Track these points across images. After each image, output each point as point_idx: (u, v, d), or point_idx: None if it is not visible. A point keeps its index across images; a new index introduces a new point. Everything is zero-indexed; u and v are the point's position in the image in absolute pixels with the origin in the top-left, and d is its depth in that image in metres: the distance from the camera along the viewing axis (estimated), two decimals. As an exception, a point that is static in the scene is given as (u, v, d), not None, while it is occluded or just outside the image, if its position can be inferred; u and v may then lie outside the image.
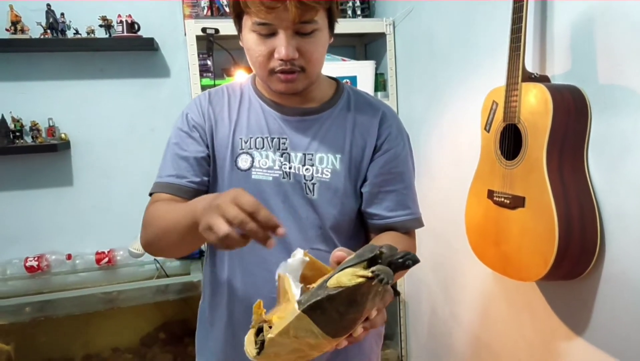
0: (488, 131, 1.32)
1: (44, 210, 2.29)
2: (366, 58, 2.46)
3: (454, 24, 1.68)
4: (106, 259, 2.29)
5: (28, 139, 2.19)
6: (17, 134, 2.13)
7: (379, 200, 0.98)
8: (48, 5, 2.12)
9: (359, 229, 1.03)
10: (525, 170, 1.17)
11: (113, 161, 2.32)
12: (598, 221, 1.10)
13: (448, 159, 1.81)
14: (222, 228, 0.64)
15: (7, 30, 2.09)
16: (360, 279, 0.59)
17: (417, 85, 2.01)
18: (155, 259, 2.29)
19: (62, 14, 2.13)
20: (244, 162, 0.96)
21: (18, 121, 2.14)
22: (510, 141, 1.23)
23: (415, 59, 2.00)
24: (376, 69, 2.32)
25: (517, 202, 1.19)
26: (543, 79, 1.22)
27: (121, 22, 2.15)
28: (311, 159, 0.96)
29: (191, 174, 0.96)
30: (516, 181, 1.20)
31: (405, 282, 2.29)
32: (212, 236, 0.66)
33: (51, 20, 2.12)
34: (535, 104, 1.13)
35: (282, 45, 0.84)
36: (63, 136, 2.27)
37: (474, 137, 1.39)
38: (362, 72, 2.13)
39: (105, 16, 2.16)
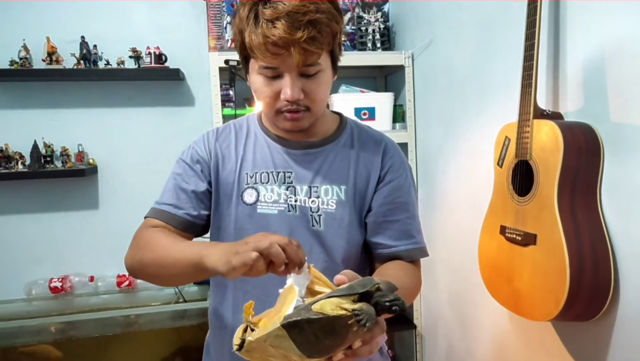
0: (501, 166, 1.31)
1: (70, 232, 2.36)
2: (386, 89, 2.49)
3: (471, 56, 1.70)
4: (127, 282, 2.34)
5: (58, 164, 2.28)
6: (48, 158, 2.23)
7: (383, 229, 0.99)
8: (82, 37, 2.24)
9: (364, 261, 1.03)
10: (537, 207, 1.16)
11: (138, 186, 2.39)
12: (612, 262, 1.08)
13: (465, 192, 1.80)
14: (253, 254, 0.69)
15: (43, 60, 2.21)
16: (342, 312, 0.59)
17: (434, 117, 2.02)
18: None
19: (95, 46, 2.24)
20: (249, 196, 0.98)
21: (49, 146, 2.24)
22: (522, 177, 1.22)
23: (433, 91, 2.02)
24: (396, 100, 2.35)
25: (528, 239, 1.18)
26: (555, 116, 1.22)
27: (149, 53, 2.24)
28: (316, 191, 0.98)
29: (189, 206, 0.99)
30: (528, 217, 1.19)
31: (422, 315, 2.25)
32: (238, 261, 0.69)
33: (84, 51, 2.23)
34: (546, 141, 1.13)
35: (287, 87, 0.87)
36: (91, 161, 2.36)
37: (490, 170, 1.38)
38: (380, 104, 2.15)
39: (135, 48, 2.26)
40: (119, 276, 2.34)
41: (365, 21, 2.29)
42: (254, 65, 0.91)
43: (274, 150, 1.01)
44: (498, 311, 1.59)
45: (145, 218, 1.01)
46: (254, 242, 0.70)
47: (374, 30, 2.28)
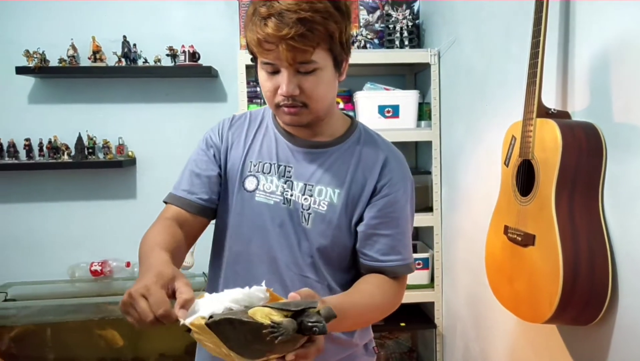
0: (507, 166, 1.30)
1: (109, 220, 2.52)
2: (415, 87, 2.48)
3: (490, 55, 1.67)
4: (159, 269, 2.46)
5: (100, 155, 2.45)
6: (90, 150, 2.39)
7: (373, 242, 1.00)
8: (124, 36, 2.38)
9: (352, 264, 1.05)
10: (537, 207, 1.14)
11: (173, 178, 2.47)
12: (610, 266, 1.05)
13: (482, 192, 1.78)
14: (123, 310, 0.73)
15: (88, 58, 2.37)
16: (265, 321, 0.64)
17: (457, 115, 2.00)
18: (203, 272, 2.43)
19: (135, 45, 2.38)
20: (250, 183, 1.03)
21: (92, 139, 2.40)
22: (526, 177, 1.21)
23: (456, 89, 2.00)
24: (423, 98, 2.34)
25: (528, 240, 1.16)
26: (562, 115, 1.19)
27: (184, 52, 2.35)
28: (311, 190, 1.01)
29: (202, 191, 1.04)
30: (528, 218, 1.17)
31: (443, 315, 2.24)
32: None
33: (126, 50, 2.37)
34: (546, 140, 1.11)
35: (283, 83, 0.91)
36: (130, 153, 2.50)
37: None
38: (404, 102, 2.15)
39: (172, 46, 2.38)
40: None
41: (393, 19, 2.29)
42: (259, 61, 0.95)
43: (280, 143, 1.05)
44: (508, 313, 1.56)
45: (164, 201, 1.07)
46: (132, 300, 0.71)
47: (402, 28, 2.28)
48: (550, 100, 1.25)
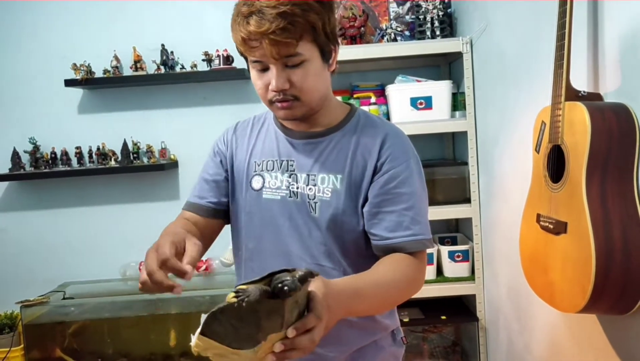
0: (538, 152, 1.26)
1: (155, 221, 2.61)
2: (450, 77, 2.44)
3: (522, 41, 1.62)
4: (204, 267, 2.56)
5: (144, 160, 2.56)
6: (135, 155, 2.51)
7: (379, 220, 1.00)
8: (162, 45, 2.48)
9: (368, 251, 1.04)
10: (568, 194, 1.10)
11: (213, 178, 2.59)
12: (647, 252, 1.00)
13: (519, 181, 1.73)
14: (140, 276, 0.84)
15: (130, 68, 2.49)
16: (233, 299, 0.64)
17: (491, 104, 1.96)
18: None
19: (172, 52, 2.48)
20: (256, 183, 1.07)
21: (136, 144, 2.52)
22: (556, 163, 1.17)
23: (489, 76, 1.95)
24: (458, 88, 2.30)
25: (560, 227, 1.13)
26: (593, 97, 1.14)
27: (218, 56, 2.42)
28: (314, 180, 1.03)
29: (210, 195, 1.10)
30: (560, 205, 1.14)
31: (485, 308, 2.19)
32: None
33: (164, 57, 2.47)
34: (575, 124, 1.07)
35: (273, 78, 0.93)
36: (172, 156, 2.61)
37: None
38: (437, 93, 2.13)
39: (207, 51, 2.46)
40: (197, 261, 2.56)
41: (423, 9, 2.26)
42: (249, 60, 0.98)
43: (280, 139, 1.08)
44: (549, 306, 1.51)
45: (182, 209, 1.15)
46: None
47: (432, 18, 2.25)
48: (581, 82, 1.21)
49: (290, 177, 1.05)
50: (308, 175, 1.04)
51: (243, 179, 1.09)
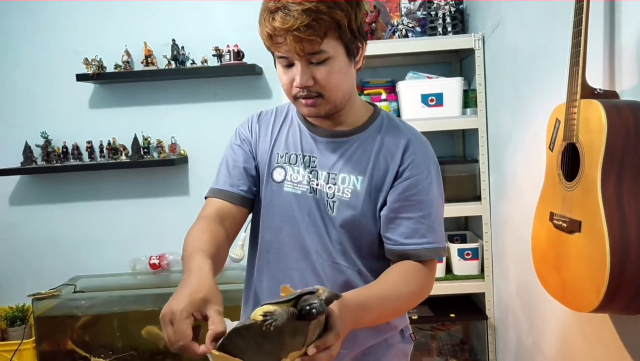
0: (552, 150, 1.25)
1: (165, 215, 2.65)
2: (461, 74, 2.42)
3: (536, 36, 1.61)
4: (213, 262, 2.56)
5: (155, 155, 2.57)
6: (145, 150, 2.52)
7: (396, 225, 1.00)
8: (173, 40, 2.49)
9: (382, 252, 1.05)
10: (582, 192, 1.09)
11: (222, 174, 2.60)
12: (663, 252, 0.99)
13: (532, 179, 1.71)
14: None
15: (141, 63, 2.50)
16: (260, 318, 0.66)
17: (503, 101, 1.94)
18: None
19: (183, 47, 2.48)
20: (278, 175, 1.06)
21: (146, 139, 2.53)
22: (571, 161, 1.16)
23: (502, 73, 1.93)
24: (469, 85, 2.29)
25: (573, 226, 1.12)
26: (609, 95, 1.13)
27: (229, 51, 2.42)
28: (334, 179, 1.02)
29: (242, 182, 1.07)
30: (574, 203, 1.13)
31: (495, 306, 2.18)
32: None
33: (175, 52, 2.48)
34: (590, 122, 1.06)
35: (297, 74, 0.93)
36: (182, 152, 2.62)
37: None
38: (448, 89, 2.11)
39: (218, 46, 2.46)
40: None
41: (435, 5, 2.25)
42: (275, 56, 0.98)
43: (304, 134, 1.07)
44: (560, 305, 1.50)
45: (205, 198, 1.10)
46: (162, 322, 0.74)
47: (444, 14, 2.23)
48: (597, 80, 1.20)
49: (311, 173, 1.04)
50: (329, 173, 1.03)
51: (265, 170, 1.08)
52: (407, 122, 1.11)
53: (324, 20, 0.89)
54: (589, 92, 1.12)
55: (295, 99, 0.98)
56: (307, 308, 0.67)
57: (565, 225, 1.15)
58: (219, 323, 0.72)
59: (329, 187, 1.03)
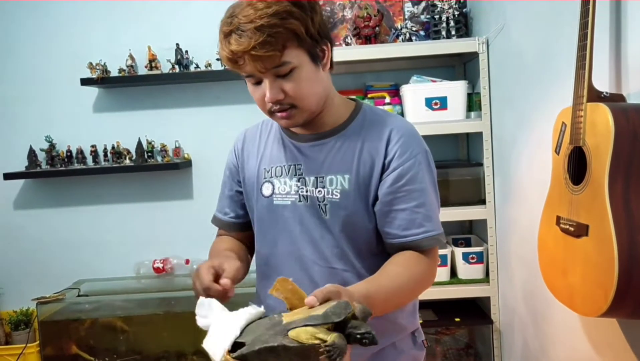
0: (558, 154, 1.24)
1: (169, 219, 2.65)
2: (465, 77, 2.42)
3: (541, 40, 1.61)
4: (217, 266, 2.56)
5: (159, 158, 2.57)
6: (149, 154, 2.53)
7: (391, 219, 0.99)
8: (177, 44, 2.49)
9: (381, 248, 1.04)
10: (589, 196, 1.09)
11: (226, 178, 2.60)
12: (672, 256, 0.98)
13: (537, 182, 1.71)
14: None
15: (145, 67, 2.50)
16: (316, 342, 0.64)
17: (507, 104, 1.94)
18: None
19: (186, 51, 2.49)
20: (266, 189, 1.07)
21: (150, 143, 2.54)
22: (577, 165, 1.15)
23: (506, 77, 1.93)
24: (473, 88, 2.28)
25: (581, 230, 1.11)
26: (616, 98, 1.13)
27: (233, 55, 2.42)
28: (322, 181, 1.02)
29: (230, 209, 1.15)
30: (581, 207, 1.12)
31: (500, 310, 2.17)
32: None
33: (179, 57, 2.48)
34: (597, 125, 1.06)
35: (266, 90, 0.93)
36: (186, 155, 2.62)
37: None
38: (452, 93, 2.11)
39: (222, 51, 2.46)
40: (210, 260, 2.57)
41: (439, 9, 2.25)
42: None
43: (286, 144, 1.07)
44: (568, 309, 1.49)
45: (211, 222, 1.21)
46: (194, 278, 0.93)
47: (448, 18, 2.23)
48: (602, 83, 1.19)
49: (299, 181, 1.04)
50: (317, 177, 1.03)
51: (254, 187, 1.09)
52: (392, 113, 1.10)
53: (279, 33, 0.87)
54: (596, 96, 1.12)
55: (271, 113, 0.98)
56: (358, 337, 0.66)
57: (572, 229, 1.14)
58: (228, 268, 0.91)
59: (319, 191, 1.02)
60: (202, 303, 0.81)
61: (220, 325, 0.74)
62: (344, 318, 0.67)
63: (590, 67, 1.10)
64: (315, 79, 0.96)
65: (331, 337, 0.65)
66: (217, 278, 0.89)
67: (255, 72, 0.91)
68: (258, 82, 0.95)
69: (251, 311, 0.76)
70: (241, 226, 1.15)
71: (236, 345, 0.70)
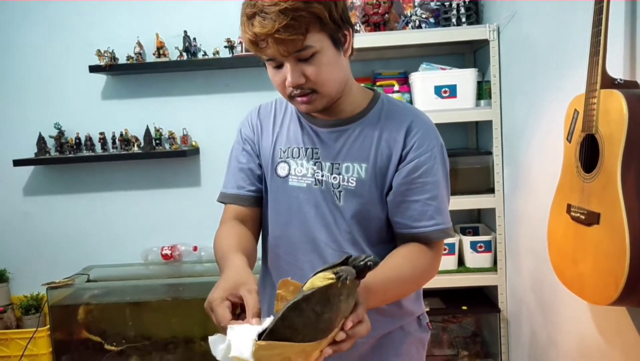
0: (570, 142, 1.23)
1: (177, 207, 2.66)
2: (475, 65, 2.40)
3: (553, 27, 1.58)
4: (224, 253, 2.57)
5: (167, 146, 2.58)
6: (157, 141, 2.53)
7: (403, 209, 1.00)
8: (185, 31, 2.48)
9: (391, 236, 1.05)
10: (601, 184, 1.08)
11: (234, 165, 2.60)
12: (684, 244, 0.98)
13: (547, 172, 1.70)
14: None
15: (153, 54, 2.50)
16: (329, 281, 0.66)
17: (518, 92, 1.92)
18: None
19: (194, 39, 2.48)
20: (282, 170, 1.06)
21: (158, 130, 2.54)
22: (589, 153, 1.14)
23: (517, 65, 1.91)
24: (483, 76, 2.26)
25: (592, 218, 1.10)
26: (630, 85, 1.11)
27: (241, 42, 2.41)
28: (338, 168, 1.02)
29: (247, 183, 1.09)
30: (593, 195, 1.11)
31: (507, 299, 2.17)
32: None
33: (187, 44, 2.47)
34: (611, 112, 1.05)
35: (288, 74, 0.92)
36: (194, 143, 2.62)
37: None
38: (462, 81, 2.09)
39: (230, 38, 2.45)
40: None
41: (449, -4, 2.22)
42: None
43: (305, 127, 1.07)
44: (577, 297, 1.49)
45: (218, 201, 1.13)
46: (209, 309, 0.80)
47: (458, 5, 2.20)
48: (616, 69, 1.17)
49: (315, 165, 1.04)
50: (332, 164, 1.03)
51: (269, 166, 1.08)
52: (409, 104, 1.10)
53: (302, 17, 0.86)
54: (609, 83, 1.10)
55: (290, 98, 0.98)
56: (361, 264, 0.70)
57: (583, 217, 1.14)
58: (252, 302, 0.76)
59: (334, 177, 1.02)
60: (215, 339, 0.74)
61: (239, 334, 0.70)
62: (344, 258, 0.72)
63: (605, 53, 1.09)
64: (336, 64, 0.96)
65: (337, 268, 0.69)
66: (234, 306, 0.80)
67: (277, 55, 0.90)
68: (279, 66, 0.94)
69: (268, 319, 0.73)
70: (256, 201, 1.10)
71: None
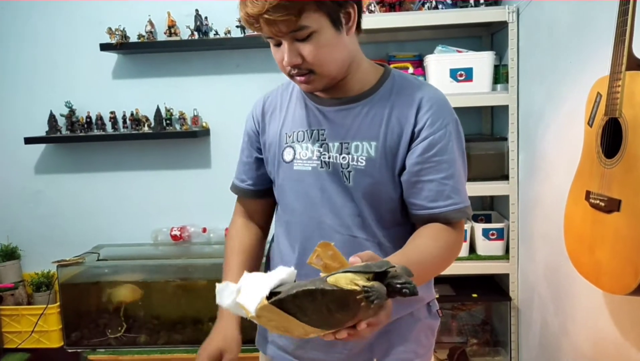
0: (591, 126, 1.19)
1: (187, 187, 2.66)
2: (492, 48, 2.34)
3: (575, 7, 1.52)
4: (234, 235, 2.57)
5: (177, 126, 2.56)
6: (168, 122, 2.51)
7: (418, 190, 0.97)
8: (196, 10, 2.45)
9: (404, 218, 1.02)
10: (623, 170, 1.04)
11: (244, 147, 2.58)
12: None
13: (565, 157, 1.65)
14: None
15: (164, 33, 2.47)
16: (355, 287, 0.62)
17: (537, 76, 1.86)
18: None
19: (206, 18, 2.44)
20: (287, 154, 1.04)
21: (169, 110, 2.52)
22: (611, 138, 1.10)
23: (537, 48, 1.85)
24: (501, 60, 2.20)
25: (612, 205, 1.07)
26: (657, 67, 1.06)
27: (253, 22, 2.37)
28: (347, 148, 0.99)
29: (248, 177, 1.14)
30: (614, 182, 1.07)
31: (519, 288, 2.14)
32: None
33: (198, 23, 2.44)
34: (636, 95, 1.00)
35: (285, 53, 0.90)
36: (205, 124, 2.60)
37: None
38: (478, 64, 2.04)
39: (242, 17, 2.41)
40: (227, 229, 2.57)
41: (467, -25, 2.15)
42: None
43: (310, 108, 1.04)
44: (591, 286, 1.46)
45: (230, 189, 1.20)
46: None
47: (476, -15, 2.14)
48: (643, 51, 1.12)
49: (321, 147, 1.01)
50: (341, 143, 1.00)
51: (276, 153, 1.07)
52: (422, 80, 1.06)
53: None
54: (635, 64, 1.06)
55: (290, 76, 0.96)
56: (398, 286, 0.64)
57: (603, 204, 1.10)
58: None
59: (343, 157, 0.99)
60: (223, 287, 0.73)
61: (252, 283, 0.69)
62: (385, 269, 0.65)
63: (632, 33, 1.04)
64: (336, 45, 0.92)
65: (371, 283, 0.63)
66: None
67: (273, 35, 0.89)
68: (278, 44, 0.92)
69: (285, 270, 0.71)
70: (257, 193, 1.14)
71: (272, 297, 0.67)
